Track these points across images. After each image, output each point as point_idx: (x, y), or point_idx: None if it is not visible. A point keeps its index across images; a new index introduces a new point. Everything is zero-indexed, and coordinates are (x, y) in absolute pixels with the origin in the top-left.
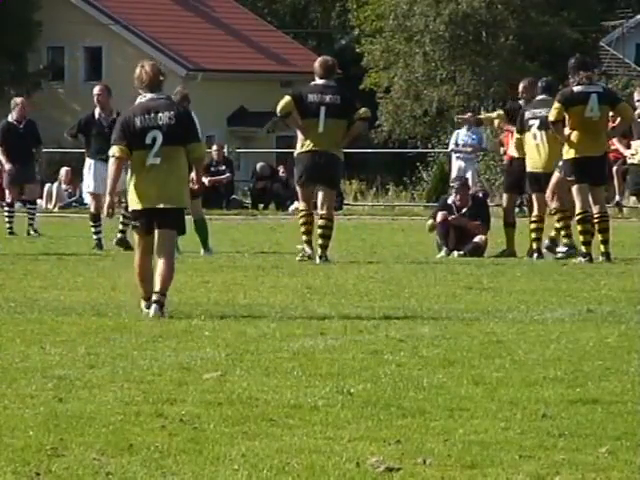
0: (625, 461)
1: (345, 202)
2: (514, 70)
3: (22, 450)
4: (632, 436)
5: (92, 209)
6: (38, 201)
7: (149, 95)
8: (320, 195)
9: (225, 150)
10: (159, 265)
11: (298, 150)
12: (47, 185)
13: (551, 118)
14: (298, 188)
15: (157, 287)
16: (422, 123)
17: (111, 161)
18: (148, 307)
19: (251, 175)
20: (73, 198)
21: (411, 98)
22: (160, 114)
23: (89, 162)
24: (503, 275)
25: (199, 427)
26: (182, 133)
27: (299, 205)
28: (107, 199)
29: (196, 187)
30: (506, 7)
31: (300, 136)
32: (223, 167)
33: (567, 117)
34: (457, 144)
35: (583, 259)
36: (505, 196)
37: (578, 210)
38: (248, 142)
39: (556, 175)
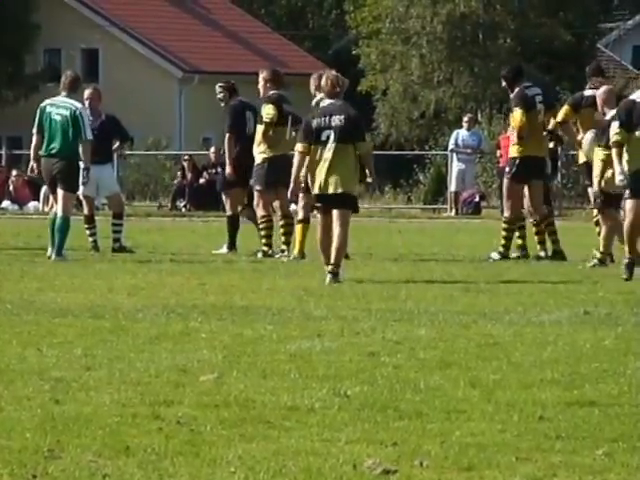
0: (622, 463)
1: None
2: None
3: (19, 452)
4: (629, 438)
5: (85, 211)
6: (34, 203)
7: (327, 101)
8: (281, 197)
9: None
10: (335, 237)
11: (265, 155)
12: (44, 187)
13: (558, 119)
14: (262, 194)
15: (332, 259)
16: (419, 125)
17: (295, 155)
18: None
19: None
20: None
21: (408, 100)
22: (333, 117)
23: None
24: (500, 277)
25: (196, 429)
26: (350, 133)
27: (261, 212)
28: (291, 186)
29: (369, 180)
30: (504, 8)
31: (265, 143)
32: (220, 169)
33: (578, 120)
34: (457, 144)
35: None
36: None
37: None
38: None
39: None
